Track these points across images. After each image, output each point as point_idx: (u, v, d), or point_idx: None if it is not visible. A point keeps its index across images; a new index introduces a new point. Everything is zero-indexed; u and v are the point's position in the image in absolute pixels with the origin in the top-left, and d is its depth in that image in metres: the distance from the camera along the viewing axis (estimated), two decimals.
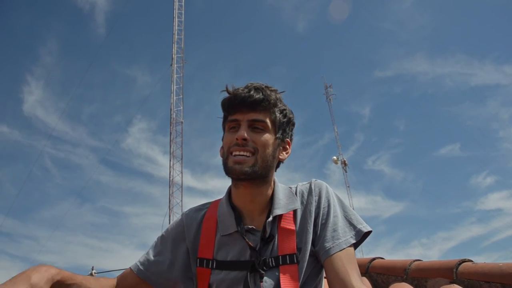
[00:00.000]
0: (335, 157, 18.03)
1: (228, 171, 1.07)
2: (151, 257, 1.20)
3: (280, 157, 1.15)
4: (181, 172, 14.27)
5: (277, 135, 1.11)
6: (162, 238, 1.23)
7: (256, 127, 1.08)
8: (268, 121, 1.09)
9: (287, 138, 1.17)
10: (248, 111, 1.07)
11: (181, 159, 14.45)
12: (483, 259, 1.70)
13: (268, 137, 1.08)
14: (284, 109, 1.14)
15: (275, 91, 1.12)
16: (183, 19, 16.16)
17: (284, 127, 1.14)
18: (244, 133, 1.05)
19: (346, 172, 17.84)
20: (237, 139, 1.05)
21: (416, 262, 1.96)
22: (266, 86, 1.11)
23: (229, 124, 1.10)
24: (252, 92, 1.07)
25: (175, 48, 15.72)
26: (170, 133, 14.53)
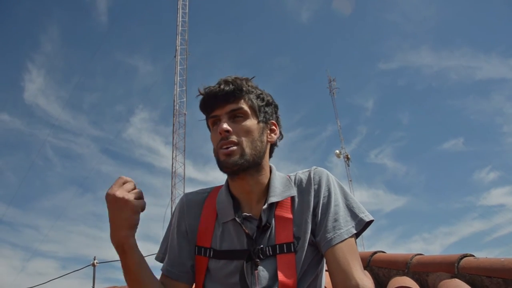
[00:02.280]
0: (337, 151, 17.96)
1: (221, 166, 1.08)
2: (170, 253, 1.19)
3: (269, 139, 1.15)
4: (184, 164, 14.31)
5: (260, 119, 1.12)
6: (171, 230, 1.22)
7: (236, 116, 1.09)
8: (245, 107, 1.10)
9: (272, 119, 1.17)
10: (224, 104, 1.09)
11: (184, 150, 14.48)
12: (484, 255, 1.70)
13: (249, 122, 1.09)
14: (260, 93, 1.15)
15: (246, 79, 1.14)
16: (187, 11, 16.10)
17: (265, 110, 1.15)
18: (224, 125, 1.06)
19: (348, 166, 17.79)
20: (220, 133, 1.06)
21: (417, 256, 1.96)
22: (236, 77, 1.12)
23: (211, 121, 1.12)
24: (222, 86, 1.09)
25: (179, 40, 15.67)
26: (173, 124, 14.56)
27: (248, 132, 1.08)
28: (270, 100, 1.18)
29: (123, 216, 0.99)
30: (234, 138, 1.06)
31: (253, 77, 1.17)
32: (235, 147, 1.05)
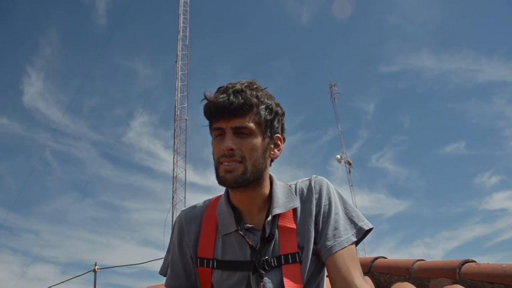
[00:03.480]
0: (338, 156, 17.91)
1: (220, 181, 1.06)
2: (173, 268, 1.20)
3: (272, 155, 1.13)
4: (185, 170, 14.29)
5: (265, 135, 1.08)
6: (173, 248, 1.22)
7: (242, 133, 1.05)
8: (252, 124, 1.05)
9: (277, 133, 1.13)
10: (231, 118, 1.04)
11: (185, 156, 14.47)
12: (486, 260, 1.70)
13: (255, 141, 1.05)
14: (269, 105, 1.09)
15: (256, 89, 1.08)
16: (188, 17, 16.16)
17: (272, 123, 1.10)
18: (229, 143, 1.03)
19: (349, 172, 17.70)
20: (223, 149, 1.04)
21: (419, 262, 1.96)
22: (246, 86, 1.07)
23: (215, 132, 1.08)
24: (231, 98, 1.03)
25: (180, 45, 15.71)
26: (174, 130, 14.56)
27: (252, 150, 1.05)
28: (279, 111, 1.13)
29: None
30: (237, 155, 1.03)
31: (266, 88, 1.12)
32: (237, 165, 1.03)
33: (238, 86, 1.05)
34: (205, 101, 1.08)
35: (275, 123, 1.12)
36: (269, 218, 1.08)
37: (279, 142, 1.14)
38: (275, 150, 1.14)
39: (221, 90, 1.07)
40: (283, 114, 1.15)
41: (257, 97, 1.06)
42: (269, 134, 1.10)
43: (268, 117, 1.08)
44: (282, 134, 1.16)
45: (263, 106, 1.07)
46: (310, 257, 1.06)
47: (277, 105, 1.13)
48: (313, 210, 1.10)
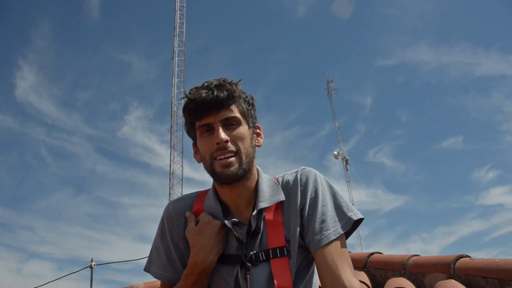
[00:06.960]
0: (335, 152, 17.93)
1: (218, 177, 1.06)
2: (172, 263, 1.18)
3: (257, 144, 1.16)
4: (182, 166, 14.30)
5: (249, 124, 1.12)
6: (158, 237, 1.21)
7: (230, 123, 1.07)
8: (238, 114, 1.09)
9: (256, 122, 1.18)
10: (218, 111, 1.06)
11: (182, 152, 14.46)
12: (482, 255, 1.71)
13: (243, 130, 1.09)
14: (246, 97, 1.14)
15: (234, 83, 1.11)
16: (184, 12, 16.08)
17: (251, 114, 1.15)
18: (222, 134, 1.04)
19: (347, 170, 17.70)
20: (218, 143, 1.04)
21: (414, 257, 1.96)
22: (225, 81, 1.10)
23: (201, 130, 1.09)
24: (216, 92, 1.05)
25: (177, 41, 15.66)
26: (171, 126, 14.55)
27: (243, 139, 1.07)
28: (253, 102, 1.18)
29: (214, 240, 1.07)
30: (231, 147, 1.05)
31: (240, 80, 1.14)
32: (233, 158, 1.04)
33: (217, 82, 1.09)
34: (188, 102, 1.09)
35: (254, 113, 1.17)
36: (255, 212, 1.08)
37: (259, 131, 1.19)
38: (258, 138, 1.18)
39: (199, 87, 1.09)
40: (255, 105, 1.20)
41: (237, 89, 1.10)
42: (252, 124, 1.14)
43: (248, 108, 1.13)
44: (259, 124, 1.21)
45: (242, 98, 1.12)
46: (297, 250, 1.06)
47: (252, 97, 1.18)
48: (298, 203, 1.10)
